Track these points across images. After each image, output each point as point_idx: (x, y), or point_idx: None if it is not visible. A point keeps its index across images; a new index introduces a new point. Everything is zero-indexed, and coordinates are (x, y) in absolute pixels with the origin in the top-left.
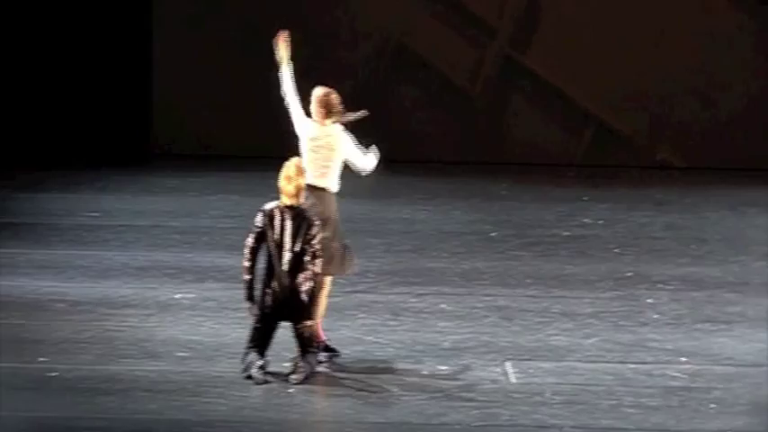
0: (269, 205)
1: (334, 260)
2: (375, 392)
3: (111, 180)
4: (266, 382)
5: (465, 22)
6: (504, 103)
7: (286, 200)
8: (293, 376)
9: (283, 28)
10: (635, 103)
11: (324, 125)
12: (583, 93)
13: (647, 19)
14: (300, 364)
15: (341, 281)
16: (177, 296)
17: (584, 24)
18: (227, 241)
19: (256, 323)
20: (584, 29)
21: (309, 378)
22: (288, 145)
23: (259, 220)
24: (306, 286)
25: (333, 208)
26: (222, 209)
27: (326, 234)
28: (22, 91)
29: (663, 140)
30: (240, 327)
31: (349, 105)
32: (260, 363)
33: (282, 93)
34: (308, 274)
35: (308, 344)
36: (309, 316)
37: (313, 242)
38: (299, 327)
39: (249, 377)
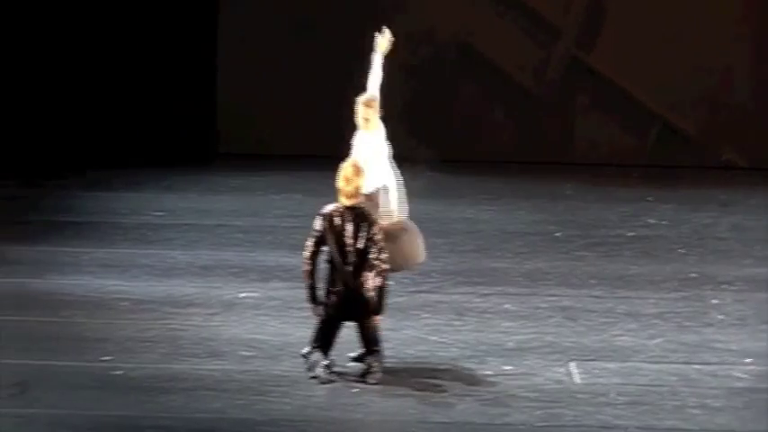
0: (327, 208)
1: None
2: (439, 392)
3: (175, 179)
4: (331, 381)
5: (530, 22)
6: (568, 103)
7: (345, 201)
8: (371, 377)
9: (347, 30)
10: (700, 102)
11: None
12: (647, 93)
13: (713, 18)
14: (374, 363)
15: (404, 280)
16: (241, 295)
17: (648, 24)
18: (290, 240)
19: (321, 324)
20: (649, 28)
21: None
22: (349, 145)
23: (318, 224)
24: (374, 283)
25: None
26: (286, 208)
27: None
28: (89, 91)
29: (728, 141)
30: (304, 326)
31: (417, 104)
32: (325, 362)
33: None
34: (375, 270)
35: (374, 341)
36: (376, 312)
37: (376, 239)
38: (365, 324)
39: (314, 377)
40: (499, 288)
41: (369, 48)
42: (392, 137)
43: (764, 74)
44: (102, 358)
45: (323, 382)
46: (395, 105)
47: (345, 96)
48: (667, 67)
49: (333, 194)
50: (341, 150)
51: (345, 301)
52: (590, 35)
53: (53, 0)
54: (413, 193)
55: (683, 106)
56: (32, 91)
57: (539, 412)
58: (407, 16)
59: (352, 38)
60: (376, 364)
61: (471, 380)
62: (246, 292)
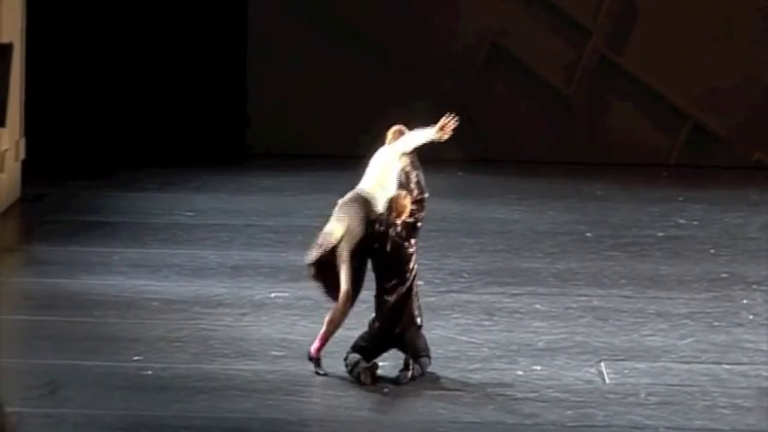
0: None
1: None
2: (469, 392)
3: (206, 179)
4: (374, 382)
5: (561, 22)
6: (599, 103)
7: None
8: (403, 375)
9: (377, 30)
10: (731, 103)
11: None
12: (678, 93)
13: (745, 18)
14: (414, 365)
15: (435, 281)
16: (272, 295)
17: (679, 24)
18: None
19: (374, 335)
20: (680, 28)
21: (415, 379)
22: (380, 144)
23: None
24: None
25: None
26: (316, 208)
27: None
28: (121, 92)
29: (759, 141)
30: None
31: (446, 104)
32: (367, 365)
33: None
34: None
35: (419, 348)
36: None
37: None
38: (408, 331)
39: (358, 377)
40: (530, 288)
41: (398, 47)
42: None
43: None
44: (133, 358)
45: (366, 384)
46: (434, 103)
47: (375, 97)
48: (698, 67)
49: None
50: (371, 150)
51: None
52: (621, 35)
53: (90, 4)
54: (443, 193)
55: (714, 106)
56: (63, 91)
57: (569, 412)
58: (438, 15)
59: (382, 38)
60: (416, 366)
61: (502, 380)
62: (277, 292)
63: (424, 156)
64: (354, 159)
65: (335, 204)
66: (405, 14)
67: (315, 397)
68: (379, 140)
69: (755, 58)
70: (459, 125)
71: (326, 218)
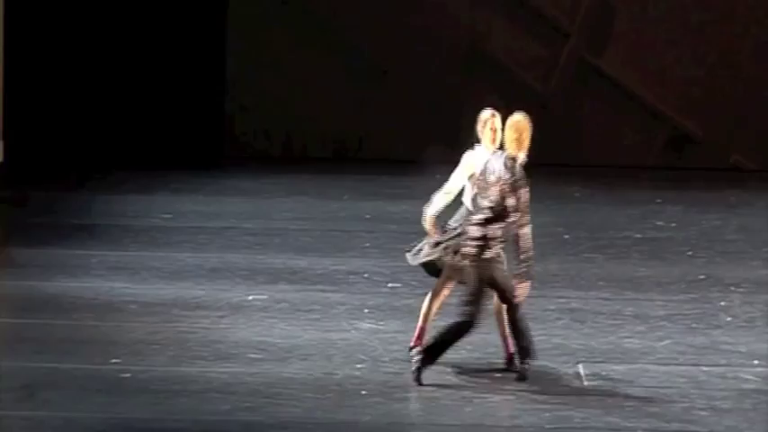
0: None
1: None
2: (447, 394)
3: (184, 182)
4: (420, 383)
5: (539, 24)
6: (577, 105)
7: None
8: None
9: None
10: (708, 105)
11: None
12: (656, 95)
13: (723, 21)
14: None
15: (413, 282)
16: (250, 298)
17: (657, 26)
18: (298, 243)
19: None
20: (658, 31)
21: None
22: (358, 147)
23: None
24: None
25: None
26: (294, 211)
27: None
28: (98, 95)
29: (736, 143)
30: (312, 328)
31: (422, 106)
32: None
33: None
34: None
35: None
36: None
37: None
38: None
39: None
40: None
41: (377, 51)
42: (402, 138)
43: None
44: (112, 361)
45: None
46: (411, 105)
47: (353, 101)
48: (676, 69)
49: (341, 197)
50: (348, 152)
51: None
52: (599, 37)
53: (69, 9)
54: (421, 195)
55: (692, 108)
56: (42, 95)
57: (547, 414)
58: (419, 18)
59: (361, 41)
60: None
61: (479, 382)
62: (255, 295)
63: (400, 157)
64: (331, 162)
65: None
66: (384, 18)
67: (293, 399)
68: (353, 143)
69: (733, 61)
70: (438, 127)
71: (304, 220)
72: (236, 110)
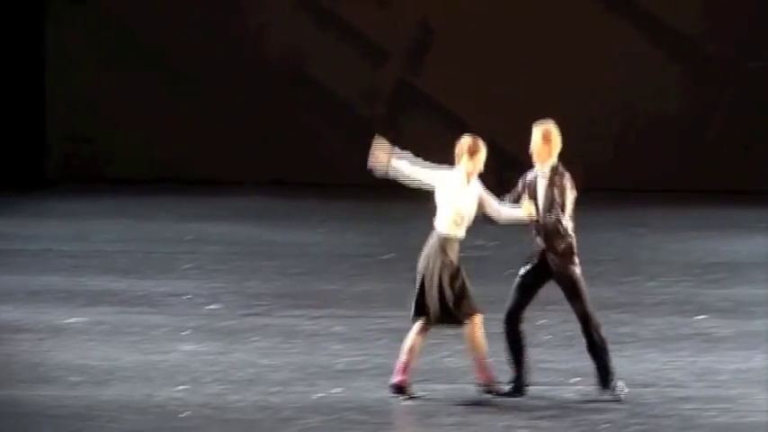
0: None
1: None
2: (268, 416)
3: (3, 205)
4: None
5: (359, 46)
6: (399, 124)
7: None
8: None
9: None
10: (527, 126)
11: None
12: (475, 115)
13: (546, 40)
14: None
15: (234, 304)
16: (70, 320)
17: (475, 48)
18: (118, 265)
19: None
20: (476, 53)
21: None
22: (178, 170)
23: None
24: None
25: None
26: (114, 232)
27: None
28: None
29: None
30: (133, 350)
31: (249, 127)
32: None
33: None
34: None
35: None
36: None
37: None
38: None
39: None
40: (329, 310)
41: (202, 71)
42: (222, 159)
43: (587, 96)
44: None
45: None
46: (234, 126)
47: (177, 122)
48: (496, 91)
49: (162, 219)
50: (169, 174)
51: None
52: (418, 58)
53: None
54: (242, 216)
55: (515, 128)
56: None
57: None
58: (242, 41)
59: (184, 63)
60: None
61: (301, 402)
62: (75, 317)
63: (222, 178)
64: (150, 183)
65: None
66: (209, 39)
67: (112, 422)
68: (189, 164)
69: (555, 79)
70: (261, 149)
71: (124, 242)
72: (56, 132)
